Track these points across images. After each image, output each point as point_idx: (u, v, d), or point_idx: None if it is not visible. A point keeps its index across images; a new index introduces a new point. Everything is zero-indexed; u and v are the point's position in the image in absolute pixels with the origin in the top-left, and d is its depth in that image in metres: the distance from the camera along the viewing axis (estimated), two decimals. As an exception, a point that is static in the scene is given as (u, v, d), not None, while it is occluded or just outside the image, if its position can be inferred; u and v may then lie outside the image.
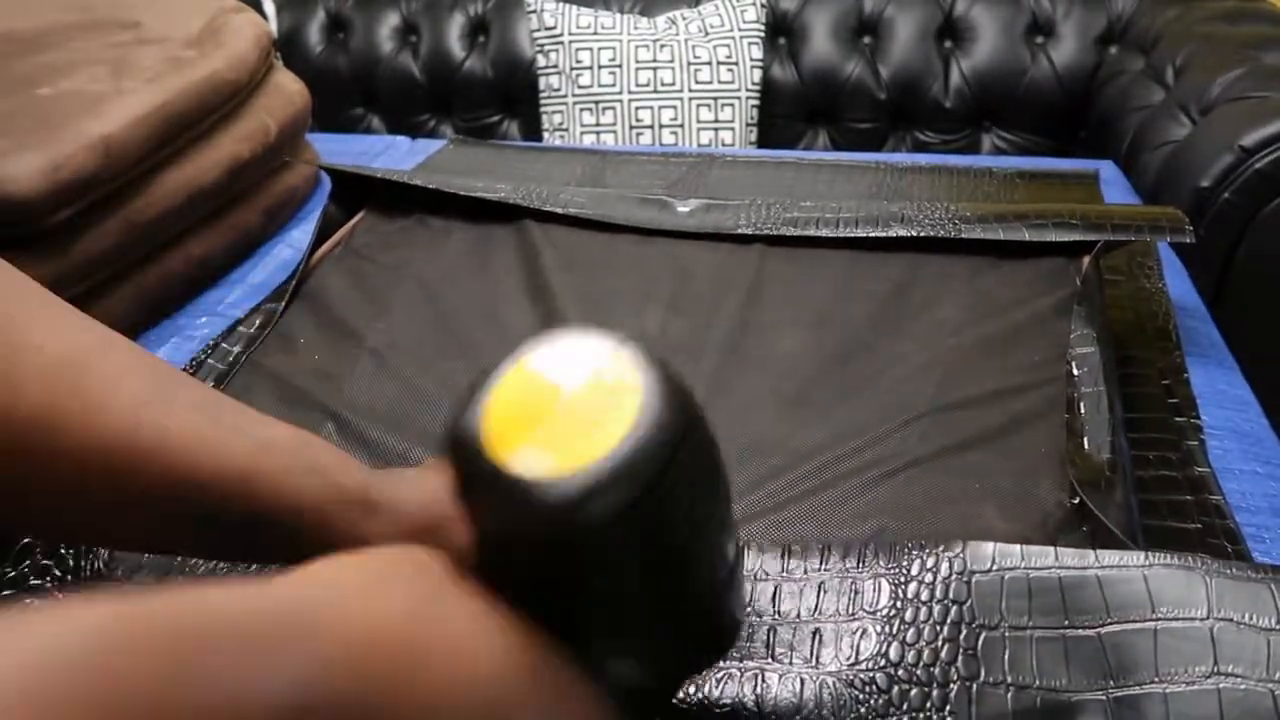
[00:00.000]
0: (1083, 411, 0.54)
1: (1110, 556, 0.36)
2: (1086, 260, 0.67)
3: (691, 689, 0.36)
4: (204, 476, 0.31)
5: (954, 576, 0.37)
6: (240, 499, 0.31)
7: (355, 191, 0.86)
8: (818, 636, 0.37)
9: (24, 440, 0.28)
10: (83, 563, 0.44)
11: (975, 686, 0.34)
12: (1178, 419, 0.57)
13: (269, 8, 1.62)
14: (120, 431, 0.29)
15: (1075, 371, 0.57)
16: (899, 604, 0.37)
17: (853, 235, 0.73)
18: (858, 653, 0.36)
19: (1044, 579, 0.36)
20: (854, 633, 0.37)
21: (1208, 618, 0.34)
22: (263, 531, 0.32)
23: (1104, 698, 0.33)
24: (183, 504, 0.31)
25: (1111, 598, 0.35)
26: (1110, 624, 0.35)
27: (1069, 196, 0.87)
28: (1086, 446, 0.52)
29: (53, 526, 0.34)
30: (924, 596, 0.37)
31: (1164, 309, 0.68)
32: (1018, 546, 0.37)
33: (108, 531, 0.33)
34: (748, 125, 1.45)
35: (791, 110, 1.51)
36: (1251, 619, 0.33)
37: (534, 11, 1.46)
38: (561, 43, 1.45)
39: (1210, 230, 0.94)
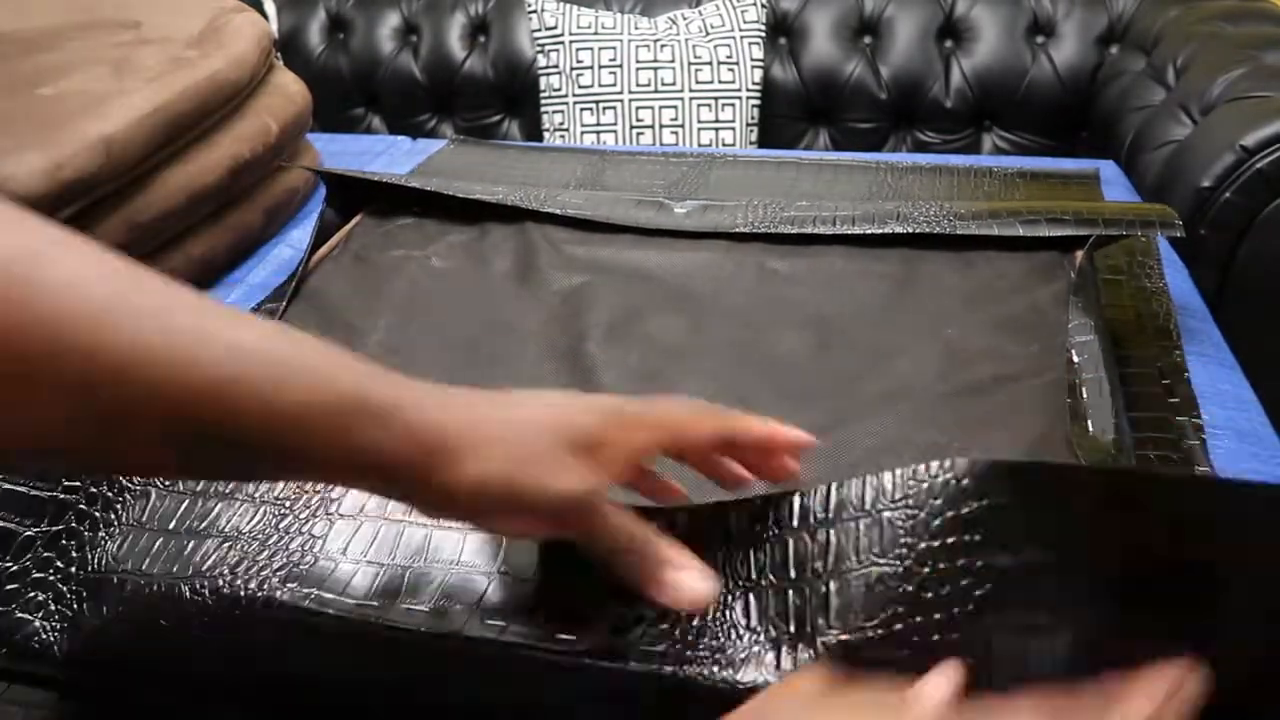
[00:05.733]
0: (1085, 396, 0.55)
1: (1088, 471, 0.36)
2: (1079, 255, 0.68)
3: (722, 660, 0.36)
4: (173, 393, 0.27)
5: (954, 507, 0.34)
6: (214, 414, 0.28)
7: (351, 194, 0.86)
8: (827, 597, 0.36)
9: None
10: (90, 555, 0.44)
11: (988, 624, 0.33)
12: (1179, 418, 0.57)
13: (269, 8, 1.62)
14: (74, 347, 0.26)
15: (1075, 359, 0.58)
16: (904, 562, 0.35)
17: (850, 232, 0.73)
18: (873, 605, 0.35)
19: (1034, 506, 0.33)
20: (869, 584, 0.35)
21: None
22: (246, 447, 0.29)
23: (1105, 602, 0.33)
24: (153, 425, 0.28)
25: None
26: (1100, 542, 0.33)
27: (1069, 196, 0.87)
28: (1091, 429, 0.53)
29: (26, 460, 0.32)
30: (922, 548, 0.34)
31: (1165, 308, 0.68)
32: (1008, 463, 0.34)
33: (84, 459, 0.30)
34: (748, 125, 1.45)
35: (792, 110, 1.51)
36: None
37: (534, 11, 1.47)
38: (562, 43, 1.45)
39: (1211, 230, 0.94)
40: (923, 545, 0.34)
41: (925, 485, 0.35)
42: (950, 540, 0.33)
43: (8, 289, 0.25)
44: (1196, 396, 0.59)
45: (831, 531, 0.37)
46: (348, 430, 0.30)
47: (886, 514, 0.35)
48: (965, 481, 0.34)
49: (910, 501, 0.35)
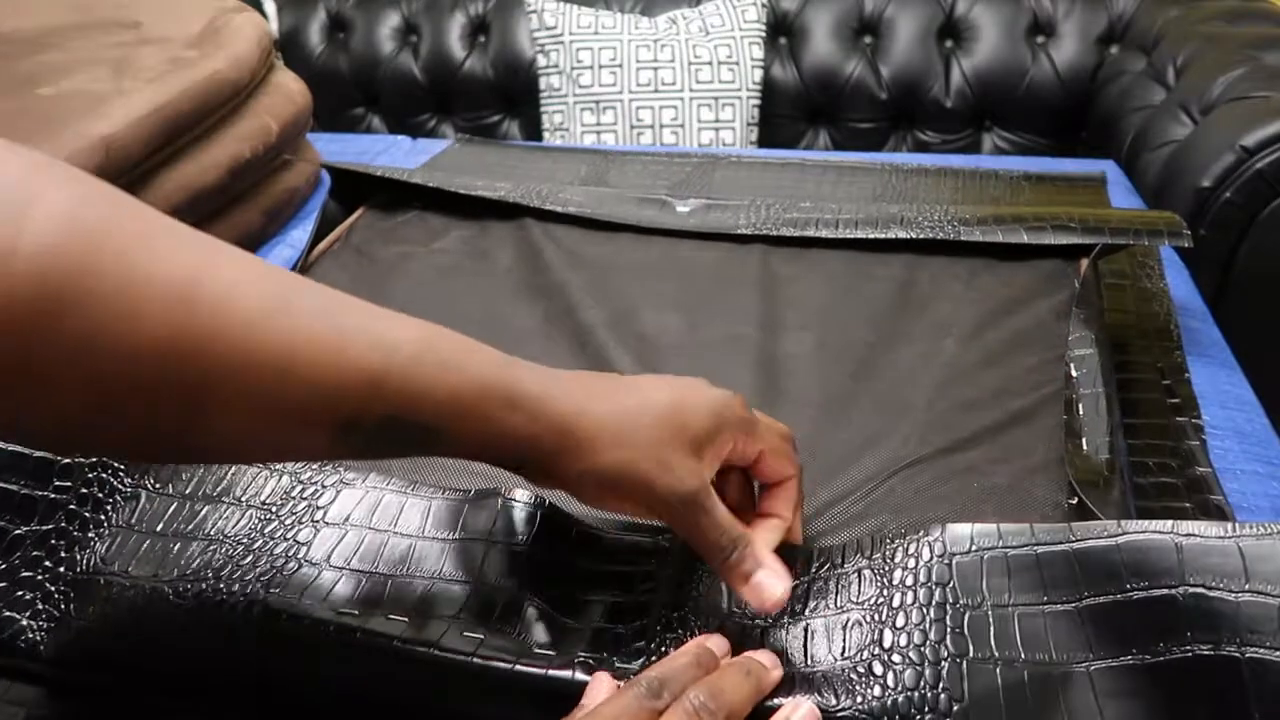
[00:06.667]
0: (1081, 413, 0.54)
1: (1085, 529, 0.37)
2: (1085, 263, 0.67)
3: None
4: (331, 384, 0.30)
5: (935, 560, 0.38)
6: (372, 402, 0.31)
7: (355, 188, 0.86)
8: (809, 633, 0.38)
9: (150, 371, 0.28)
10: (78, 555, 0.44)
11: (965, 663, 0.35)
12: (1179, 419, 0.57)
13: (269, 8, 1.62)
14: (241, 349, 0.29)
15: (1074, 373, 0.58)
16: (885, 592, 0.38)
17: (852, 236, 0.73)
18: (849, 644, 0.37)
19: (1022, 557, 0.37)
20: (844, 626, 0.38)
21: (1178, 585, 0.34)
22: (399, 430, 0.32)
23: (1086, 668, 0.34)
24: (314, 413, 0.31)
25: (1087, 572, 0.36)
26: (1086, 598, 0.36)
27: (1076, 200, 0.87)
28: (1085, 447, 0.52)
29: (185, 451, 0.34)
30: (909, 582, 0.38)
31: (1165, 308, 0.68)
32: (994, 526, 0.38)
33: (243, 447, 0.33)
34: (748, 125, 1.45)
35: (792, 110, 1.51)
36: (1220, 583, 0.34)
37: (534, 11, 1.46)
38: (562, 42, 1.45)
39: (1211, 230, 0.94)
40: (896, 599, 0.38)
41: (899, 545, 0.39)
42: (923, 595, 0.38)
43: (174, 310, 0.28)
44: (1196, 397, 0.59)
45: (810, 582, 0.40)
46: (496, 416, 0.33)
47: (866, 571, 0.39)
48: (935, 545, 0.39)
49: (884, 562, 0.39)
